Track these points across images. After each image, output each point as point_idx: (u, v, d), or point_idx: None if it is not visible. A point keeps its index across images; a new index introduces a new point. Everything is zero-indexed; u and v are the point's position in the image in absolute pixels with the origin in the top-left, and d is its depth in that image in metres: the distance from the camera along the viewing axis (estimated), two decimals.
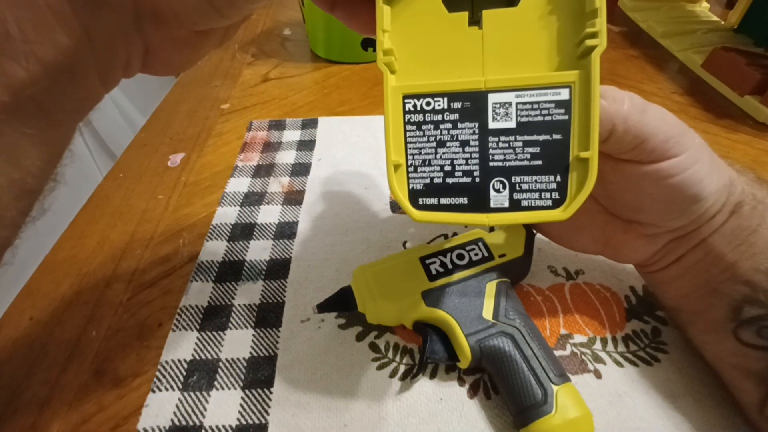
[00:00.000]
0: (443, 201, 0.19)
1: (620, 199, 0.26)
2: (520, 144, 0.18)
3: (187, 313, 0.31)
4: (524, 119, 0.18)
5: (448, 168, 0.18)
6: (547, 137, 0.18)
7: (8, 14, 0.13)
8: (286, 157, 0.44)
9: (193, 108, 0.52)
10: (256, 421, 0.25)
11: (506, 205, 0.18)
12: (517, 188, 0.18)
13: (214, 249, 0.35)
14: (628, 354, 0.28)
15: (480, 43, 0.18)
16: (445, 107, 0.18)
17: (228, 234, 0.36)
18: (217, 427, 0.25)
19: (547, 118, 0.18)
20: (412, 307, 0.27)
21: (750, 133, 0.47)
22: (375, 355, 0.28)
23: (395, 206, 0.38)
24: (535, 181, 0.18)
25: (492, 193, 0.18)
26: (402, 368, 0.28)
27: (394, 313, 0.28)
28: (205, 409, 0.26)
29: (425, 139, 0.18)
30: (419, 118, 0.18)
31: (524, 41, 0.18)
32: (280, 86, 0.56)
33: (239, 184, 0.41)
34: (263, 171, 0.42)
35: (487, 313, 0.26)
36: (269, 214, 0.38)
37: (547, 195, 0.18)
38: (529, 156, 0.18)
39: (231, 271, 0.33)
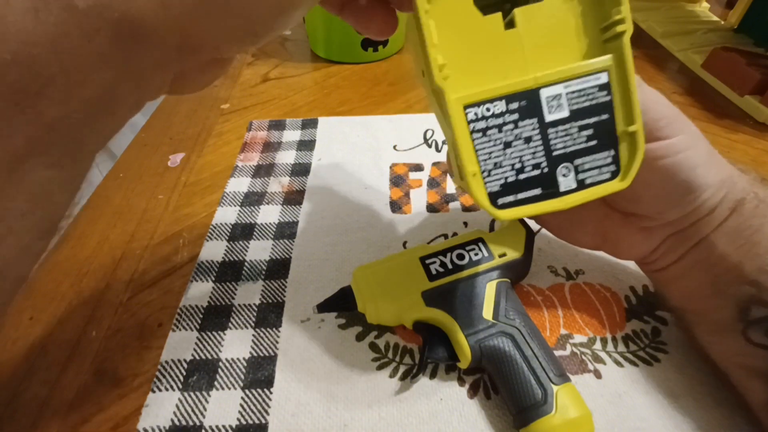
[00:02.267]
0: (520, 196, 0.20)
1: None
2: (576, 129, 0.19)
3: (187, 313, 0.31)
4: (575, 107, 0.19)
5: (518, 165, 0.19)
6: (597, 119, 0.19)
7: (53, 60, 0.12)
8: (286, 157, 0.44)
9: (193, 108, 0.52)
10: (256, 421, 0.25)
11: (574, 186, 0.20)
12: (580, 170, 0.20)
13: (214, 249, 0.35)
14: (628, 354, 0.28)
15: (519, 41, 0.19)
16: (505, 109, 0.19)
17: (228, 234, 0.36)
18: (217, 427, 0.25)
19: (594, 101, 0.19)
20: (412, 307, 0.27)
21: (750, 133, 0.47)
22: (375, 355, 0.28)
23: (395, 206, 0.38)
24: (594, 159, 0.19)
25: (560, 179, 0.20)
26: (402, 368, 0.28)
27: (394, 313, 0.28)
28: (205, 409, 0.26)
29: (492, 143, 0.19)
30: (483, 124, 0.19)
31: (556, 32, 0.19)
32: (280, 86, 0.56)
33: (239, 184, 0.41)
34: (263, 171, 0.42)
35: (487, 313, 0.26)
36: (269, 214, 0.38)
37: (606, 169, 0.20)
38: (585, 138, 0.19)
39: (231, 271, 0.33)
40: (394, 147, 0.45)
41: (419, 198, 0.39)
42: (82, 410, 0.26)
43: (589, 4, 0.19)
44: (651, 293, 0.31)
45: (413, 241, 0.35)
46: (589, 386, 0.27)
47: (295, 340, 0.29)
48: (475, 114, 0.19)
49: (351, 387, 0.27)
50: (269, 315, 0.31)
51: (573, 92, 0.19)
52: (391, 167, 0.42)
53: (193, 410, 0.26)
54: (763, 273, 0.22)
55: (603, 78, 0.19)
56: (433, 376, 0.27)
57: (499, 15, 0.19)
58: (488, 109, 0.19)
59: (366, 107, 0.51)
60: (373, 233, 0.36)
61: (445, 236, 0.36)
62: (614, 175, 0.20)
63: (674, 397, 0.26)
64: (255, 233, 0.36)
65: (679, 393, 0.26)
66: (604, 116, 0.19)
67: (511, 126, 0.19)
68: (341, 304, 0.28)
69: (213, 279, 0.33)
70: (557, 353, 0.28)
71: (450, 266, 0.28)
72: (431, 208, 0.38)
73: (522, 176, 0.19)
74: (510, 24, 0.19)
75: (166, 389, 0.27)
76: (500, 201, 0.20)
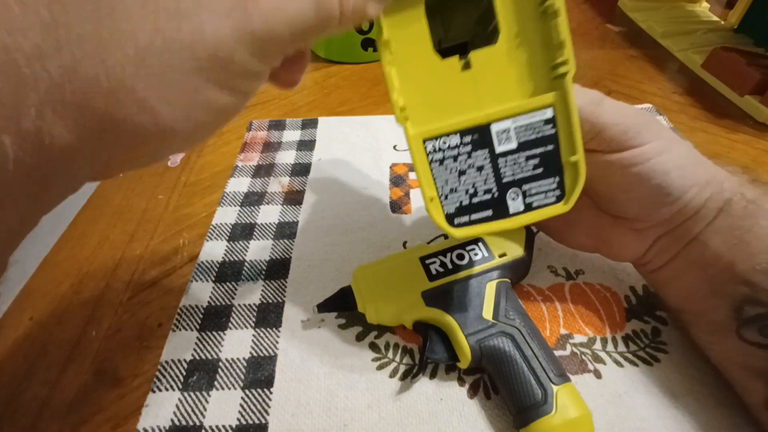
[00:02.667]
0: (473, 217, 0.22)
1: (598, 191, 0.27)
2: (523, 159, 0.21)
3: (187, 313, 0.31)
4: (522, 139, 0.21)
5: (471, 191, 0.22)
6: (543, 149, 0.21)
7: None
8: (286, 157, 0.44)
9: None
10: (256, 421, 0.25)
11: (522, 209, 0.22)
12: (527, 194, 0.22)
13: (214, 249, 0.35)
14: (628, 354, 0.28)
15: (474, 81, 0.21)
16: (459, 142, 0.21)
17: (228, 234, 0.36)
18: (217, 427, 0.25)
19: (540, 134, 0.21)
20: (412, 307, 0.27)
21: (750, 133, 0.47)
22: (375, 355, 0.28)
23: (395, 206, 0.38)
24: (540, 185, 0.21)
25: (509, 202, 0.22)
26: (402, 368, 0.28)
27: (394, 313, 0.28)
28: (205, 409, 0.26)
29: (448, 171, 0.21)
30: (440, 156, 0.21)
31: (508, 72, 0.21)
32: None
33: (239, 184, 0.41)
34: (263, 171, 0.42)
35: (487, 313, 0.26)
36: (269, 214, 0.38)
37: (551, 194, 0.21)
38: (531, 167, 0.21)
39: (231, 271, 0.33)
40: (394, 147, 0.45)
41: (419, 198, 0.39)
42: (82, 410, 0.26)
43: (538, 47, 0.20)
44: (651, 293, 0.31)
45: (413, 241, 0.35)
46: (589, 386, 0.27)
47: (295, 340, 0.29)
48: (433, 147, 0.21)
49: (351, 387, 0.27)
50: (269, 315, 0.31)
51: (521, 126, 0.21)
52: (391, 167, 0.42)
53: (193, 410, 0.26)
54: (756, 273, 0.22)
55: (549, 113, 0.21)
56: (433, 376, 0.27)
57: (456, 58, 0.21)
58: (445, 142, 0.21)
59: (366, 107, 0.51)
60: (373, 233, 0.36)
61: (445, 236, 0.36)
62: (559, 199, 0.21)
63: (674, 397, 0.26)
64: (255, 233, 0.36)
65: (679, 393, 0.26)
66: (550, 147, 0.21)
67: (465, 156, 0.21)
68: (341, 303, 0.28)
69: (213, 279, 0.33)
70: (557, 353, 0.28)
71: (450, 266, 0.28)
72: None
73: (475, 200, 0.22)
74: (467, 65, 0.21)
75: (166, 389, 0.27)
76: (456, 221, 0.22)
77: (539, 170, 0.21)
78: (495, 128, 0.21)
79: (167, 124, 0.14)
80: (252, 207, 0.39)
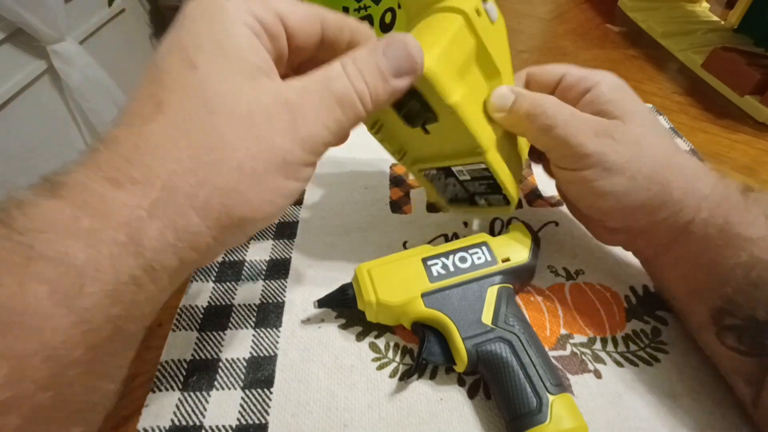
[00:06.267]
0: (460, 205, 0.34)
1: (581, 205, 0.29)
2: (477, 183, 0.30)
3: (187, 313, 0.31)
4: (473, 175, 0.29)
5: (454, 194, 0.33)
6: (487, 181, 0.29)
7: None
8: None
9: None
10: (256, 421, 0.25)
11: (486, 205, 0.32)
12: (486, 198, 0.32)
13: None
14: (628, 354, 0.28)
15: (434, 141, 0.28)
16: (437, 172, 0.32)
17: None
18: (217, 427, 0.25)
19: (483, 173, 0.29)
20: (411, 308, 0.27)
21: (750, 133, 0.47)
22: (375, 355, 0.28)
23: (395, 206, 0.39)
24: (493, 196, 0.31)
25: (477, 200, 0.32)
26: (402, 368, 0.28)
27: (393, 313, 0.28)
28: (205, 409, 0.26)
29: (437, 183, 0.33)
30: (430, 177, 0.33)
31: (451, 140, 0.27)
32: None
33: None
34: None
35: (487, 317, 0.26)
36: None
37: (501, 200, 0.31)
38: (484, 187, 0.30)
39: (231, 271, 0.33)
40: None
41: (419, 198, 0.39)
42: None
43: (462, 138, 0.26)
44: (651, 293, 0.31)
45: (413, 241, 0.35)
46: (589, 386, 0.27)
47: (295, 340, 0.29)
48: (426, 174, 0.32)
49: (351, 387, 0.27)
50: (269, 315, 0.31)
51: (469, 169, 0.29)
52: (391, 167, 0.42)
53: (193, 410, 0.26)
54: (728, 287, 0.23)
55: (483, 165, 0.28)
56: (433, 376, 0.27)
57: (419, 129, 0.27)
58: (429, 172, 0.32)
59: None
60: (373, 233, 0.36)
61: (446, 236, 0.36)
62: (507, 203, 0.31)
63: (674, 397, 0.26)
64: (255, 233, 0.36)
65: (679, 393, 0.26)
66: (492, 180, 0.29)
67: (443, 179, 0.32)
68: (341, 300, 0.28)
69: (213, 279, 0.33)
70: (557, 353, 0.28)
71: (452, 268, 0.28)
72: (431, 208, 0.38)
73: (458, 197, 0.33)
74: (426, 131, 0.27)
75: (166, 389, 0.27)
76: (450, 204, 0.35)
77: (489, 189, 0.30)
78: (454, 169, 0.30)
79: (260, 210, 0.19)
80: None
